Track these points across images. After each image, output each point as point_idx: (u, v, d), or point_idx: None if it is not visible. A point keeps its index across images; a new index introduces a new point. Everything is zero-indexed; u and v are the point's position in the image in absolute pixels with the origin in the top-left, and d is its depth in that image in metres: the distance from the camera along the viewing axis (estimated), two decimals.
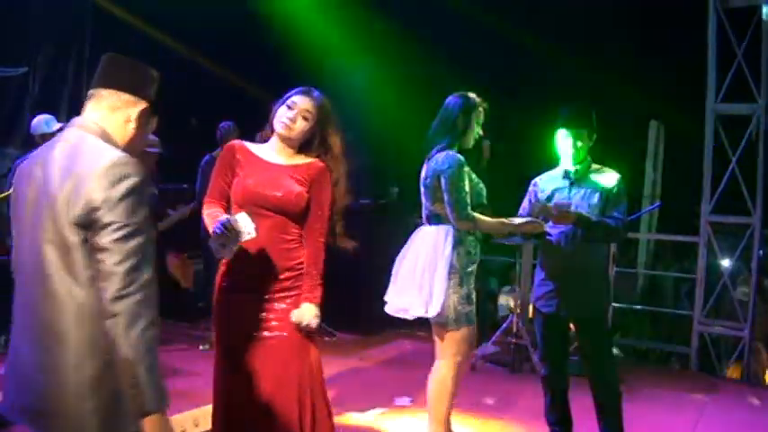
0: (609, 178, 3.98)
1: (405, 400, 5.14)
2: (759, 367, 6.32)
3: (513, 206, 4.20)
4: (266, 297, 3.15)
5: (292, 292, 3.17)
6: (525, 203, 4.22)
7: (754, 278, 6.36)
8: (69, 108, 8.00)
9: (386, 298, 3.90)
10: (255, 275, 3.15)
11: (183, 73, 9.03)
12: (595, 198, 3.93)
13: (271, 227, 3.13)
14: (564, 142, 4.00)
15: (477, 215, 3.73)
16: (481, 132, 3.91)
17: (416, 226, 4.00)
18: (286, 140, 3.24)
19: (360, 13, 8.52)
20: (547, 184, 4.12)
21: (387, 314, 3.96)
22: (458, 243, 3.74)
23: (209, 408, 3.47)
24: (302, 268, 3.20)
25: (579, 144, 3.97)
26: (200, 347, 6.39)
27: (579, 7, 8.25)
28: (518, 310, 6.34)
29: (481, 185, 3.88)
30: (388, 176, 7.97)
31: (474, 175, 3.85)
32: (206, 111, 8.18)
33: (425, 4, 8.48)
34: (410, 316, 3.82)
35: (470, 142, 3.88)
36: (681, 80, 7.99)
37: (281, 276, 3.16)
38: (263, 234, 3.07)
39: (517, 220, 3.85)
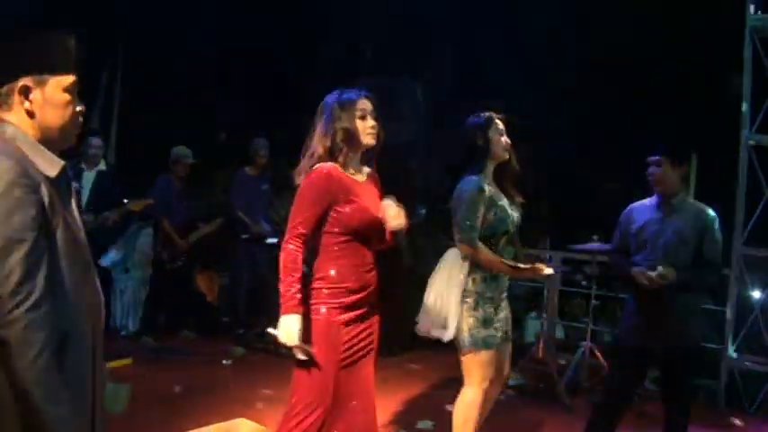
0: (704, 215, 3.91)
1: (427, 424, 5.07)
2: None
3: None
4: (369, 316, 3.26)
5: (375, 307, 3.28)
6: (616, 234, 4.18)
7: None
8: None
9: (417, 318, 3.87)
10: (367, 294, 3.20)
11: (213, 89, 9.14)
12: (687, 233, 3.86)
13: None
14: (653, 173, 3.95)
15: (480, 244, 3.66)
16: (508, 140, 3.82)
17: (446, 247, 3.95)
18: (361, 152, 3.16)
19: None
20: (640, 213, 4.05)
21: (412, 336, 3.93)
22: (476, 267, 3.69)
23: (233, 422, 3.46)
24: None
25: (669, 175, 3.91)
26: (224, 362, 6.35)
27: (605, 34, 8.23)
28: (544, 337, 6.26)
29: (509, 212, 3.77)
30: (416, 197, 7.92)
31: (503, 202, 3.76)
32: (234, 125, 8.23)
33: None
34: (432, 337, 3.80)
35: (501, 154, 3.80)
36: (715, 110, 7.90)
37: (376, 293, 3.25)
38: (372, 255, 3.17)
39: (521, 266, 3.74)
